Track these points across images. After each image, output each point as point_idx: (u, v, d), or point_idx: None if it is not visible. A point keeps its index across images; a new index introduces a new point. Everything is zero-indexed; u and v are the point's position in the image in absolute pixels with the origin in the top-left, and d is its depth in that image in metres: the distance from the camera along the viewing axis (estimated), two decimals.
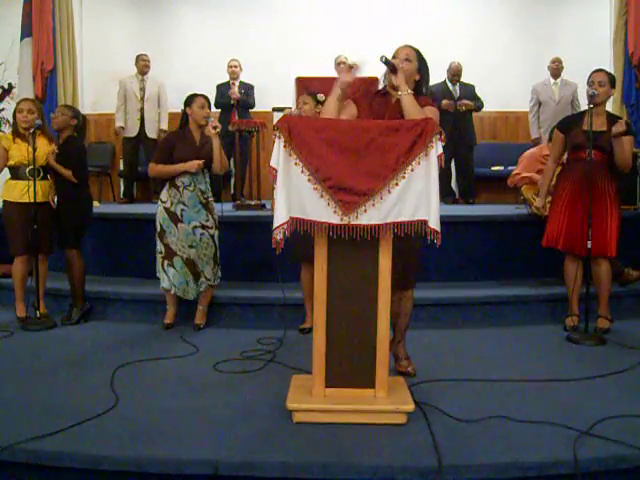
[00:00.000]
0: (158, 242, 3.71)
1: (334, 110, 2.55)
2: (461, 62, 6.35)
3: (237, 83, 6.47)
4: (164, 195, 3.71)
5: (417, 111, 2.51)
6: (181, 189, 3.67)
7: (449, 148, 6.09)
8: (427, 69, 2.75)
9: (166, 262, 3.67)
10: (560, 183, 3.73)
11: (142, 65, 6.43)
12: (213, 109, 6.44)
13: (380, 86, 2.83)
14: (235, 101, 6.26)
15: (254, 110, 6.57)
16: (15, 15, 6.00)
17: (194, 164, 3.64)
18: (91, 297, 4.02)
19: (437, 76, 6.40)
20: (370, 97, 2.75)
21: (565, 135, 3.68)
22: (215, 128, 3.66)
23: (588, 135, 3.39)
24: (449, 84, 6.33)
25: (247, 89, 6.46)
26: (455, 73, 6.31)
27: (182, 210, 3.66)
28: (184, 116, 3.77)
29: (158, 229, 3.71)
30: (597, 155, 3.50)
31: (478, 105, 6.32)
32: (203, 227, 3.69)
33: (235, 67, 6.49)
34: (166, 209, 3.68)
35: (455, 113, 6.18)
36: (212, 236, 3.73)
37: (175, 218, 3.66)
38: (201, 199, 3.71)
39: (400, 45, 2.75)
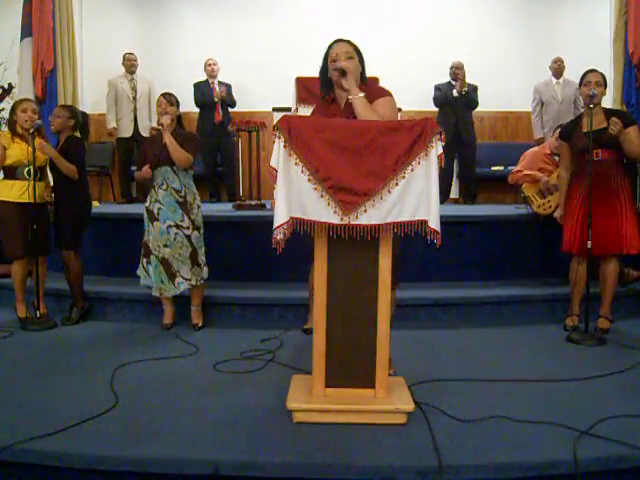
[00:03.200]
0: (144, 240, 3.76)
1: None
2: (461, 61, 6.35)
3: (216, 82, 6.47)
4: (148, 195, 3.78)
5: (369, 114, 2.49)
6: (156, 188, 3.71)
7: (452, 147, 6.10)
8: (362, 55, 2.69)
9: (145, 260, 3.71)
10: (572, 188, 3.69)
11: (129, 64, 6.44)
12: (195, 108, 6.46)
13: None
14: (219, 99, 6.28)
15: (255, 110, 6.58)
16: (15, 15, 6.00)
17: (142, 170, 3.67)
18: (91, 297, 4.02)
19: (438, 76, 6.41)
20: (321, 108, 2.74)
21: (568, 142, 3.67)
22: (162, 125, 3.62)
23: (588, 136, 3.38)
24: (453, 83, 6.31)
25: (228, 88, 6.47)
26: (453, 68, 6.29)
27: (159, 209, 3.68)
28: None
29: (144, 228, 3.77)
30: (605, 154, 3.47)
31: (473, 97, 6.27)
32: (177, 227, 3.66)
33: (214, 65, 6.50)
34: (146, 208, 3.75)
35: (457, 111, 6.17)
36: (188, 236, 3.67)
37: (152, 216, 3.70)
38: (176, 198, 3.68)
39: (332, 43, 2.67)
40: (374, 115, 2.49)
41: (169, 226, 3.65)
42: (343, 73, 2.56)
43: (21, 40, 5.84)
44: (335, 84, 2.66)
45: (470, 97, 6.23)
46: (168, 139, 3.60)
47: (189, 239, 3.68)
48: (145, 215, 3.74)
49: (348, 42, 2.68)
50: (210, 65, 6.50)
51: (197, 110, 6.58)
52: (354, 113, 2.55)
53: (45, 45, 5.78)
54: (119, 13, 7.32)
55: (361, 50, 2.69)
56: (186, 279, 3.68)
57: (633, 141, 3.44)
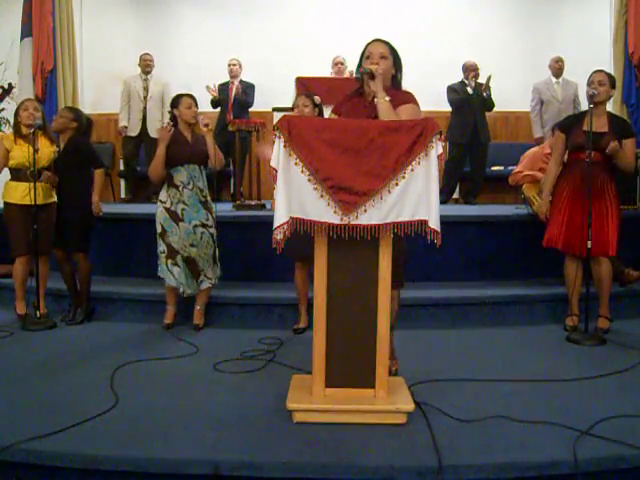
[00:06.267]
0: (160, 242, 3.69)
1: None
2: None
3: (236, 82, 6.48)
4: (163, 195, 3.71)
5: (391, 118, 2.46)
6: (180, 188, 3.67)
7: (467, 147, 6.08)
8: (400, 59, 2.68)
9: (170, 261, 3.67)
10: (560, 183, 3.73)
11: (144, 65, 6.45)
12: (211, 109, 6.47)
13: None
14: (215, 98, 6.29)
15: (254, 110, 6.57)
16: (15, 15, 6.00)
17: (161, 132, 3.67)
18: (92, 297, 4.01)
19: (439, 76, 6.40)
20: (346, 100, 2.73)
21: (566, 135, 3.68)
22: (207, 125, 3.68)
23: (588, 136, 3.39)
24: (466, 82, 6.25)
25: (247, 88, 6.47)
26: (470, 69, 6.23)
27: (183, 209, 3.66)
28: (173, 117, 3.78)
29: (159, 230, 3.70)
30: (597, 156, 3.49)
31: (492, 98, 6.23)
32: (203, 226, 3.69)
33: (234, 66, 6.49)
34: (166, 209, 3.68)
35: (475, 112, 6.13)
36: (212, 235, 3.73)
37: (176, 217, 3.66)
38: (200, 197, 3.71)
39: (370, 41, 2.66)
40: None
41: (195, 225, 3.66)
42: (371, 76, 2.54)
43: (21, 40, 5.85)
44: (365, 81, 2.62)
45: (489, 98, 6.18)
46: (210, 140, 3.68)
47: (213, 237, 3.72)
48: (165, 216, 3.66)
49: (385, 43, 2.66)
50: (230, 65, 6.50)
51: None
52: (377, 112, 2.53)
53: (45, 45, 5.79)
54: (119, 13, 7.31)
55: (398, 52, 2.67)
56: (208, 278, 3.72)
57: (626, 154, 3.52)
